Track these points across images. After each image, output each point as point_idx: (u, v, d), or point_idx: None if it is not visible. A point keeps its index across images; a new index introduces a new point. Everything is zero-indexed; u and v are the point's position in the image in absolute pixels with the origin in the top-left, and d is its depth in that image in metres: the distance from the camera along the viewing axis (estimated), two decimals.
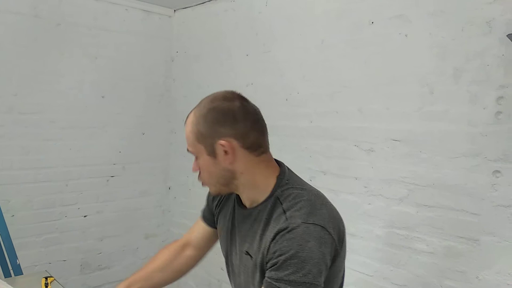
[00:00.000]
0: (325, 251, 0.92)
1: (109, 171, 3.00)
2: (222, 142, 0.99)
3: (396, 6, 1.95)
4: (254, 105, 1.08)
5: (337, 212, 1.05)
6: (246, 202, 1.10)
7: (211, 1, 3.00)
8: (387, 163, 2.01)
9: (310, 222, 0.92)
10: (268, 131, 1.11)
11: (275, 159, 1.12)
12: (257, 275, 1.01)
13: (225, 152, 1.00)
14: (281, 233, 0.92)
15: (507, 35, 1.52)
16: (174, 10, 3.31)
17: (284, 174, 1.06)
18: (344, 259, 1.08)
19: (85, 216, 2.91)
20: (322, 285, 0.91)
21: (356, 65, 2.11)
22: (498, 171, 1.65)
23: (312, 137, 2.33)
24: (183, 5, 3.19)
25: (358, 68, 2.10)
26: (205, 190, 1.19)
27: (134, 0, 3.04)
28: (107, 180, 3.00)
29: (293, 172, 1.11)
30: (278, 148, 2.71)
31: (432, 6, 1.82)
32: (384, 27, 2.00)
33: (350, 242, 2.18)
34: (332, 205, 1.04)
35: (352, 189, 2.15)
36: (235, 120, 1.00)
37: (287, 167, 1.11)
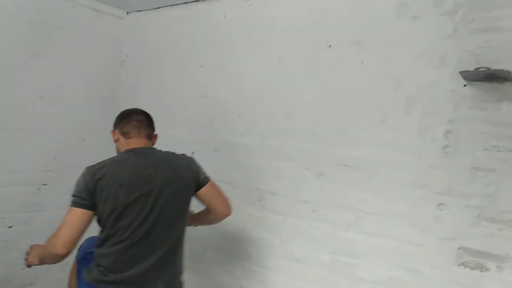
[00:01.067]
0: (81, 180, 1.59)
1: (41, 178, 2.75)
2: (112, 131, 1.84)
3: (354, 31, 1.95)
4: (140, 114, 1.82)
5: (111, 169, 1.61)
6: None
7: (167, 7, 2.88)
8: (336, 188, 1.98)
9: (88, 166, 1.63)
10: (148, 127, 1.81)
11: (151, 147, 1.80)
12: None
13: (113, 135, 1.83)
14: None
15: (459, 72, 1.54)
16: (127, 12, 3.15)
17: (129, 150, 1.72)
18: (103, 202, 1.56)
19: (9, 227, 2.63)
20: (80, 196, 1.57)
21: (312, 87, 2.09)
22: (442, 204, 1.67)
23: (263, 156, 2.26)
24: (137, 8, 3.04)
25: (314, 90, 2.08)
26: None
27: None
28: (38, 188, 2.74)
29: (138, 152, 1.71)
30: (228, 164, 2.67)
31: (389, 34, 1.84)
32: (341, 51, 2.00)
33: (295, 267, 2.15)
34: (114, 166, 1.63)
35: (301, 212, 2.10)
36: (120, 120, 1.81)
37: (140, 149, 1.73)
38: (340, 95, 1.99)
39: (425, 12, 1.74)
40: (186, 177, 1.70)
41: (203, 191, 1.74)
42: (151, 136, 1.81)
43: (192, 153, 2.11)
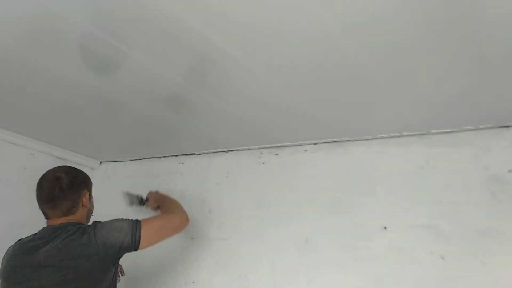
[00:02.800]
0: None
1: None
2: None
3: (425, 210, 1.42)
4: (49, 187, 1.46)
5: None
6: None
7: (150, 159, 2.35)
8: None
9: None
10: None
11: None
12: None
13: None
14: None
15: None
16: (100, 162, 2.59)
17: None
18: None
19: None
20: None
21: None
22: None
23: None
24: (111, 158, 2.49)
25: None
26: None
27: (44, 144, 2.29)
28: None
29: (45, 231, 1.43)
30: None
31: (478, 223, 1.31)
32: (403, 237, 1.43)
33: None
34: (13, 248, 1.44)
35: None
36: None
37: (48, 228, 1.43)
38: None
39: None
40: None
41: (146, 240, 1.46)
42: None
43: None
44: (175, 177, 2.20)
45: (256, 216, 1.82)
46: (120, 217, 1.46)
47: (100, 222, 1.44)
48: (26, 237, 1.45)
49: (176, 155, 2.24)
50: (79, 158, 2.46)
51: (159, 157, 2.31)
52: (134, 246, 1.42)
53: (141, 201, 1.98)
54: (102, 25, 1.08)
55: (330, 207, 1.63)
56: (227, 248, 1.85)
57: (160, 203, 1.89)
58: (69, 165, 2.41)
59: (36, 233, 1.44)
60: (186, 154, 2.20)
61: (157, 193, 1.98)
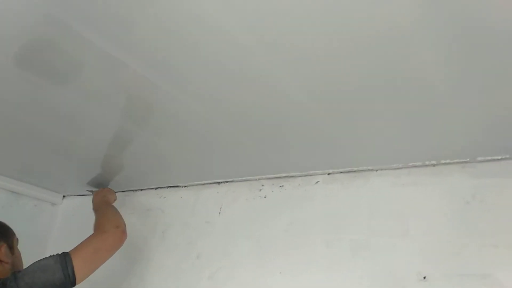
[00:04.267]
0: None
1: None
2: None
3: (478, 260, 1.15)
4: None
5: None
6: None
7: (124, 192, 1.99)
8: None
9: None
10: None
11: None
12: None
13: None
14: None
15: None
16: (63, 196, 2.20)
17: None
18: None
19: None
20: None
21: None
22: None
23: None
24: (76, 192, 2.11)
25: None
26: None
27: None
28: None
29: None
30: None
31: None
32: None
33: None
34: None
35: None
36: None
37: None
38: None
39: None
40: None
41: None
42: None
43: None
44: (154, 214, 1.84)
45: (256, 263, 1.50)
46: (43, 257, 1.27)
47: (19, 271, 1.24)
48: None
49: (156, 188, 1.89)
50: (37, 192, 2.07)
51: (135, 190, 1.96)
52: (70, 281, 1.24)
53: None
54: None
55: (352, 252, 1.33)
56: None
57: (96, 212, 1.64)
58: (25, 200, 2.06)
59: None
60: (168, 187, 1.85)
61: (101, 195, 1.77)
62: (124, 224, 1.51)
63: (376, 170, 1.39)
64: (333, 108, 1.06)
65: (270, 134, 1.25)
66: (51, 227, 2.14)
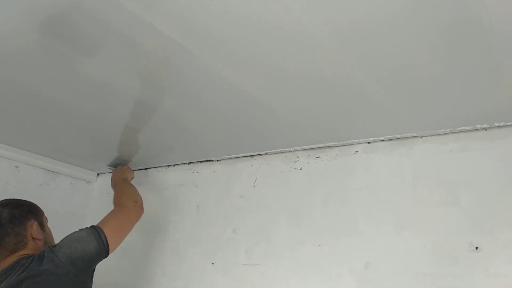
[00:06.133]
0: None
1: None
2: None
3: None
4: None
5: None
6: None
7: (157, 168, 1.98)
8: None
9: None
10: None
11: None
12: None
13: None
14: None
15: None
16: (97, 174, 2.22)
17: None
18: None
19: None
20: None
21: None
22: None
23: None
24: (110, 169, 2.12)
25: None
26: None
27: (30, 154, 1.93)
28: None
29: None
30: None
31: None
32: None
33: None
34: None
35: None
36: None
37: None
38: None
39: None
40: None
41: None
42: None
43: None
44: (188, 190, 1.83)
45: (294, 236, 1.46)
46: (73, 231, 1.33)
47: (53, 245, 1.29)
48: None
49: (189, 163, 1.87)
50: (72, 170, 2.10)
51: (168, 166, 1.95)
52: (105, 249, 1.32)
53: None
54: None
55: (396, 224, 1.26)
56: (259, 277, 1.48)
57: (114, 188, 1.74)
58: (62, 178, 2.10)
59: None
60: (201, 161, 1.83)
61: (120, 172, 1.85)
62: (141, 200, 1.60)
63: (421, 137, 1.30)
64: (378, 72, 0.98)
65: (306, 102, 1.18)
66: (87, 204, 2.17)
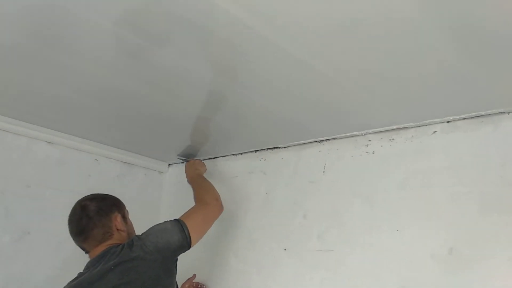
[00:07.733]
0: None
1: None
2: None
3: None
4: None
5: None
6: None
7: (225, 157, 2.02)
8: None
9: None
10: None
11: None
12: None
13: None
14: None
15: None
16: (169, 165, 2.31)
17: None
18: None
19: None
20: None
21: None
22: None
23: None
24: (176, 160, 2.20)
25: None
26: None
27: (108, 147, 2.05)
28: None
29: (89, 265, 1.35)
30: None
31: None
32: None
33: None
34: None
35: None
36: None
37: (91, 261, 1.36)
38: None
39: None
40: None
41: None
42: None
43: None
44: (257, 177, 1.85)
45: (369, 220, 1.42)
46: (158, 221, 1.42)
47: (138, 235, 1.38)
48: (71, 280, 1.33)
49: (256, 151, 1.89)
50: (145, 161, 2.20)
51: (235, 154, 1.98)
52: (187, 242, 1.39)
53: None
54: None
55: (482, 206, 1.19)
56: (333, 262, 1.47)
57: (192, 184, 1.81)
58: (136, 169, 2.21)
59: (80, 272, 1.35)
60: (268, 149, 1.84)
61: (193, 167, 1.90)
62: (220, 197, 1.66)
63: (509, 113, 1.21)
64: (460, 40, 0.91)
65: (378, 84, 1.13)
66: (160, 193, 2.27)
